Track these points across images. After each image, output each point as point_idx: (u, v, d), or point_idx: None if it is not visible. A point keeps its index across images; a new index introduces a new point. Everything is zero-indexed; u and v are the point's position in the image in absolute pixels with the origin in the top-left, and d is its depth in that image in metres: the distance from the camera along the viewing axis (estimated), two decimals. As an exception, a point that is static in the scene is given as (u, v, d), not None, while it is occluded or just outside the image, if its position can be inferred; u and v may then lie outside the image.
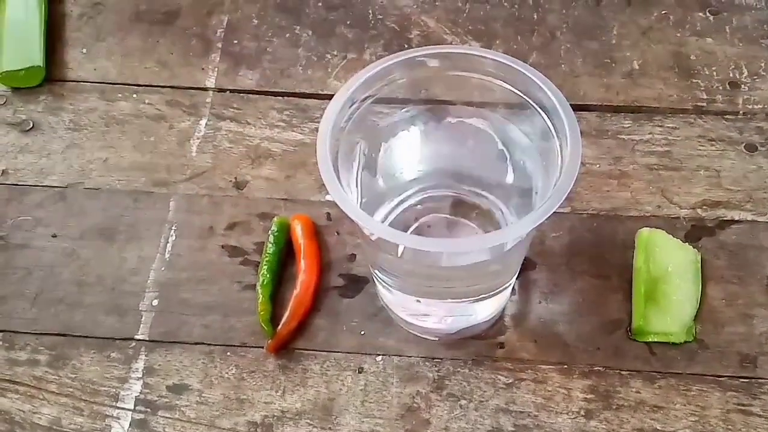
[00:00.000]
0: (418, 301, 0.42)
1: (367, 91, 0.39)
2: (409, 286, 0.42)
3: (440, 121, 0.43)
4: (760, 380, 0.44)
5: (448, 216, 0.45)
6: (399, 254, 0.38)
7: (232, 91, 0.57)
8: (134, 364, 0.46)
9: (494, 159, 0.43)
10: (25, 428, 0.44)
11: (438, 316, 0.44)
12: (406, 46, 0.58)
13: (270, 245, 0.48)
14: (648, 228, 0.48)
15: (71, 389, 0.45)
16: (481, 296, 0.42)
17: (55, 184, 0.53)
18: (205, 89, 0.57)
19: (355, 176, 0.41)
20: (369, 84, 0.39)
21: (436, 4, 0.61)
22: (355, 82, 0.38)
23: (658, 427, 0.42)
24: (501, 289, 0.43)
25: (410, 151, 0.44)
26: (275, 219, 0.49)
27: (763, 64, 0.56)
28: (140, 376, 0.46)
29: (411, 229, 0.44)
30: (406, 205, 0.44)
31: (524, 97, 0.38)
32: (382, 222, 0.43)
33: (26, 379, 0.46)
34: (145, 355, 0.46)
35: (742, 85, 0.55)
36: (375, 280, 0.45)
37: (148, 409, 0.44)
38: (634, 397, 0.43)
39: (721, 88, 0.55)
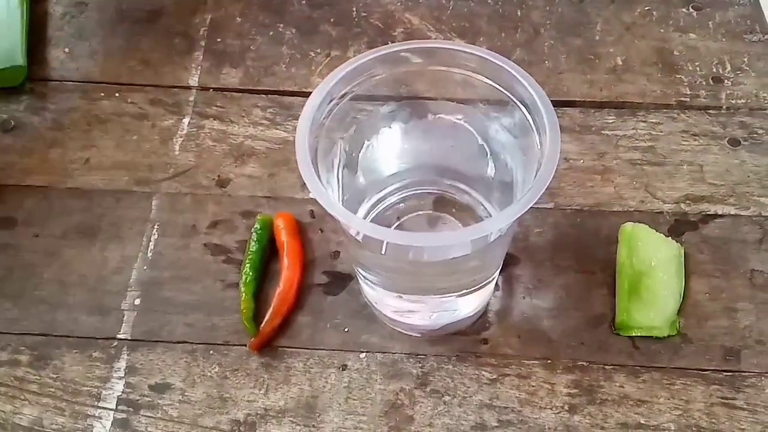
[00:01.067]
0: (401, 297, 0.42)
1: (346, 87, 0.39)
2: (392, 283, 0.42)
3: (421, 117, 0.43)
4: (743, 373, 0.44)
5: (430, 212, 0.45)
6: (382, 251, 0.38)
7: (215, 89, 0.57)
8: (116, 363, 0.46)
9: (475, 154, 0.43)
10: (6, 429, 0.44)
11: (421, 312, 0.44)
12: (389, 43, 0.58)
13: (253, 243, 0.48)
14: (631, 222, 0.48)
15: (53, 389, 0.45)
16: (464, 291, 0.42)
17: (38, 184, 0.53)
18: (189, 88, 0.57)
19: (336, 174, 0.41)
20: (349, 80, 0.38)
21: (420, 1, 0.61)
22: (334, 77, 0.38)
23: (642, 422, 0.42)
24: (484, 283, 0.42)
25: (391, 148, 0.44)
26: (258, 217, 0.49)
27: (746, 59, 0.56)
28: (122, 375, 0.45)
29: (393, 226, 0.44)
30: (387, 202, 0.44)
31: (505, 92, 0.38)
32: (365, 218, 0.43)
33: (7, 380, 0.45)
34: (127, 355, 0.46)
35: (725, 80, 0.55)
36: (358, 277, 0.45)
37: (131, 409, 0.44)
38: (617, 391, 0.43)
39: (704, 83, 0.55)
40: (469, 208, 0.44)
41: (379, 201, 0.44)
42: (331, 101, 0.38)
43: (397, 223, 0.45)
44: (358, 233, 0.36)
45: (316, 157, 0.37)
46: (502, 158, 0.41)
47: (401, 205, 0.45)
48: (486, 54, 0.38)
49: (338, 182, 0.41)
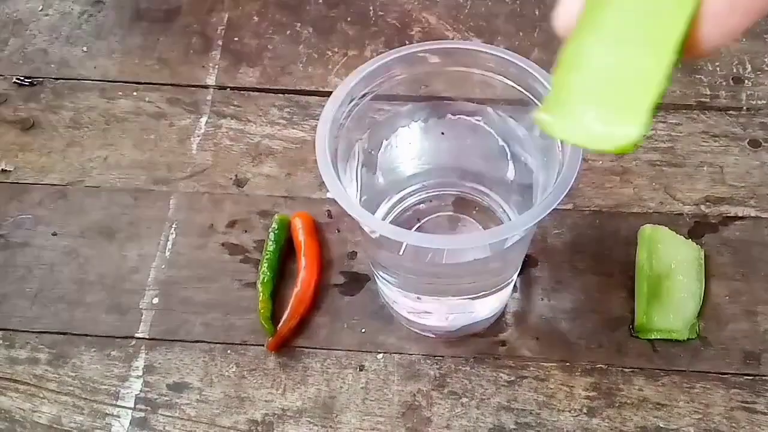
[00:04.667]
0: (419, 298, 0.42)
1: (366, 87, 0.38)
2: (410, 284, 0.42)
3: (440, 117, 0.43)
4: (764, 377, 0.43)
5: (450, 214, 0.44)
6: (400, 252, 0.37)
7: (232, 88, 0.57)
8: (134, 362, 0.46)
9: (495, 155, 0.42)
10: (26, 427, 0.44)
11: (439, 314, 0.44)
12: (407, 42, 0.58)
13: (270, 243, 0.48)
14: (651, 225, 0.47)
15: (71, 387, 0.45)
16: (482, 293, 0.42)
17: (56, 182, 0.53)
18: (206, 87, 0.57)
19: (355, 173, 0.41)
20: (368, 80, 0.38)
21: (437, 0, 0.61)
22: (353, 78, 0.38)
23: (661, 425, 0.42)
24: (502, 286, 0.42)
25: (410, 148, 0.44)
26: (276, 216, 0.49)
27: (767, 60, 0.56)
28: (140, 374, 0.45)
29: (413, 228, 0.44)
30: (406, 203, 0.44)
31: (525, 92, 0.38)
32: (384, 219, 0.43)
33: (26, 378, 0.46)
34: (146, 354, 0.46)
35: (746, 81, 0.55)
36: (376, 277, 0.45)
37: (149, 408, 0.44)
38: (636, 394, 0.43)
39: (724, 83, 0.55)
40: (489, 210, 0.44)
41: (399, 201, 0.44)
42: (350, 102, 0.38)
43: (417, 225, 0.44)
44: (375, 233, 0.36)
45: (336, 158, 0.37)
46: (522, 159, 0.41)
47: (421, 205, 0.45)
48: (505, 54, 0.38)
49: (357, 183, 0.41)
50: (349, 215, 0.34)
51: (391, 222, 0.44)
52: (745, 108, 0.53)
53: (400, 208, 0.44)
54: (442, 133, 0.44)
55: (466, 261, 0.38)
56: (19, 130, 0.55)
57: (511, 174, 0.42)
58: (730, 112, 0.53)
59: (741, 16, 0.23)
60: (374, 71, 0.38)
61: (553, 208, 0.33)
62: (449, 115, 0.43)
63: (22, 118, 0.56)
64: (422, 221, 0.45)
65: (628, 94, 0.21)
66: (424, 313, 0.44)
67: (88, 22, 0.61)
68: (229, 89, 0.57)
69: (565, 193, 0.33)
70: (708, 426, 0.42)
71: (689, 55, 0.23)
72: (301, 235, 0.48)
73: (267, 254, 0.48)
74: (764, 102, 0.53)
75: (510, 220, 0.44)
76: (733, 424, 0.42)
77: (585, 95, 0.21)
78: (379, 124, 0.41)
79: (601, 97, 0.21)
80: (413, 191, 0.44)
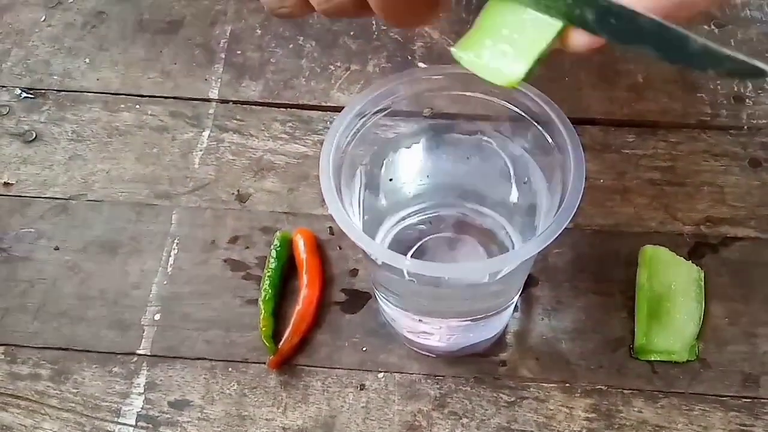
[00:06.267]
0: (421, 320, 0.42)
1: (371, 108, 0.39)
2: (410, 305, 0.42)
3: (443, 136, 0.43)
4: (762, 400, 0.44)
5: (451, 235, 0.45)
6: (404, 275, 0.38)
7: (235, 102, 0.57)
8: (136, 379, 0.46)
9: (497, 175, 0.42)
10: (27, 443, 0.44)
11: (440, 335, 0.44)
12: (409, 57, 0.58)
13: (272, 260, 0.48)
14: (651, 246, 0.47)
15: (73, 404, 0.45)
16: (483, 315, 0.42)
17: (58, 196, 0.53)
18: (208, 100, 0.57)
19: (357, 194, 0.41)
20: (373, 103, 0.38)
21: (440, 15, 0.61)
22: (357, 103, 0.38)
23: (660, 447, 0.42)
24: (503, 308, 0.42)
25: (412, 167, 0.44)
26: (277, 234, 0.49)
27: (768, 78, 0.56)
28: (142, 391, 0.46)
29: (413, 248, 0.44)
30: (407, 222, 0.44)
31: (525, 116, 0.38)
32: (384, 239, 0.43)
33: (28, 394, 0.46)
34: (147, 370, 0.46)
35: (747, 100, 0.55)
36: (376, 296, 0.45)
37: (150, 425, 0.44)
38: (635, 416, 0.43)
39: (725, 102, 0.55)
40: (489, 231, 0.44)
41: (400, 221, 0.44)
42: (354, 125, 0.38)
43: (418, 244, 0.45)
44: (376, 258, 0.36)
45: (339, 183, 0.37)
46: (525, 180, 0.41)
47: (422, 225, 0.45)
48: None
49: (359, 203, 0.41)
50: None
51: (393, 241, 0.44)
52: (746, 127, 0.54)
53: (401, 228, 0.44)
54: (445, 153, 0.44)
55: (467, 284, 0.38)
56: (21, 142, 0.55)
57: (513, 195, 0.42)
58: (731, 131, 0.53)
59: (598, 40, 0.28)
60: (378, 96, 0.38)
61: (556, 236, 0.33)
62: (452, 135, 0.43)
63: (24, 131, 0.56)
64: (423, 240, 0.45)
65: (518, 48, 0.29)
66: (424, 333, 0.44)
67: (90, 33, 0.61)
68: (231, 103, 0.57)
69: (569, 221, 0.34)
70: (706, 449, 0.42)
71: (572, 48, 0.29)
72: (302, 253, 0.48)
73: (269, 271, 0.48)
74: (765, 122, 0.54)
75: (512, 241, 0.44)
76: (732, 447, 0.42)
77: (488, 40, 0.29)
78: (381, 144, 0.41)
79: (499, 43, 0.29)
80: (415, 211, 0.45)
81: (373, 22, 0.60)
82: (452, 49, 0.31)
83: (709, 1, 0.29)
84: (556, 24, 0.29)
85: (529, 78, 0.29)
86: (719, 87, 0.56)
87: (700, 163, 0.52)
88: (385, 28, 0.60)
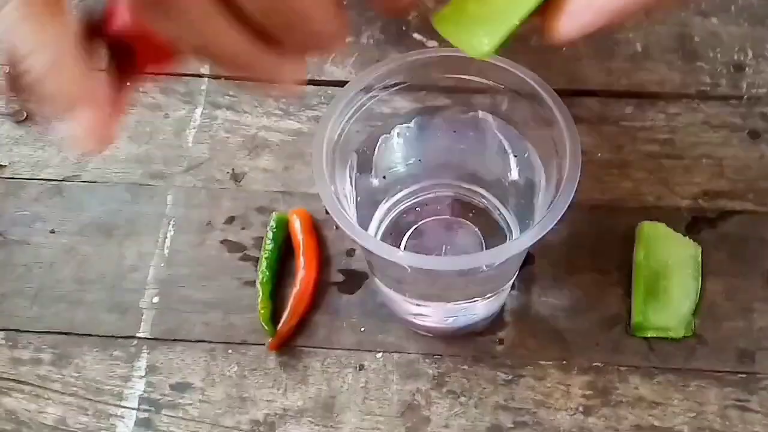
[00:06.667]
0: (417, 304, 0.42)
1: (367, 92, 0.38)
2: (406, 289, 0.42)
3: (438, 115, 0.42)
4: (757, 375, 0.44)
5: (447, 217, 0.44)
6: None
7: (227, 78, 0.56)
8: (137, 362, 0.46)
9: (494, 155, 0.42)
10: (32, 428, 0.45)
11: (438, 316, 0.44)
12: (403, 28, 0.57)
13: (269, 242, 0.48)
14: (649, 222, 0.47)
15: (75, 388, 0.46)
16: (481, 297, 0.42)
17: (52, 178, 0.53)
18: (200, 76, 0.56)
19: (349, 174, 0.41)
20: (370, 85, 0.38)
21: (434, -17, 0.59)
22: (351, 88, 0.37)
23: (656, 424, 0.43)
24: (501, 289, 0.43)
25: (405, 148, 0.43)
26: (273, 215, 0.49)
27: (768, 45, 0.55)
28: (143, 374, 0.46)
29: (409, 231, 0.44)
30: (403, 206, 0.44)
31: (519, 94, 0.38)
32: (380, 224, 0.43)
33: (31, 379, 0.46)
34: (147, 353, 0.47)
35: (747, 68, 0.54)
36: (373, 277, 0.45)
37: (152, 408, 0.45)
38: (632, 393, 0.44)
39: (725, 71, 0.54)
40: (485, 212, 0.44)
41: (395, 204, 0.44)
42: (347, 110, 0.38)
43: (414, 227, 0.44)
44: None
45: (333, 168, 0.37)
46: (522, 158, 0.41)
47: (417, 208, 0.44)
48: (498, 61, 0.37)
49: (352, 185, 0.41)
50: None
51: (389, 224, 0.44)
52: (745, 97, 0.53)
53: (396, 212, 0.44)
54: (440, 132, 0.43)
55: (462, 270, 0.38)
56: (13, 122, 0.55)
57: (510, 174, 0.42)
58: (731, 101, 0.53)
59: (595, 15, 0.26)
60: (374, 78, 0.38)
61: (556, 222, 0.33)
62: (447, 113, 0.42)
63: (15, 110, 0.55)
64: (419, 223, 0.45)
65: (491, 21, 0.29)
66: (420, 315, 0.44)
67: (78, 7, 0.60)
68: (223, 78, 0.56)
69: (565, 208, 0.34)
70: (701, 424, 0.43)
71: (550, 38, 0.28)
72: (299, 234, 0.48)
73: (266, 253, 0.48)
74: (765, 90, 0.53)
75: (507, 222, 0.44)
76: (727, 422, 0.43)
77: (464, 12, 0.30)
78: (376, 124, 0.41)
79: (473, 15, 0.29)
80: (409, 193, 0.44)
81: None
82: (432, 17, 0.31)
83: None
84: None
85: (499, 51, 0.30)
86: (719, 55, 0.55)
87: (699, 135, 0.52)
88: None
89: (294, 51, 0.23)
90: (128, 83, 0.25)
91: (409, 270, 0.37)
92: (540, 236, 0.33)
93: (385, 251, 0.33)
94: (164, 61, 0.26)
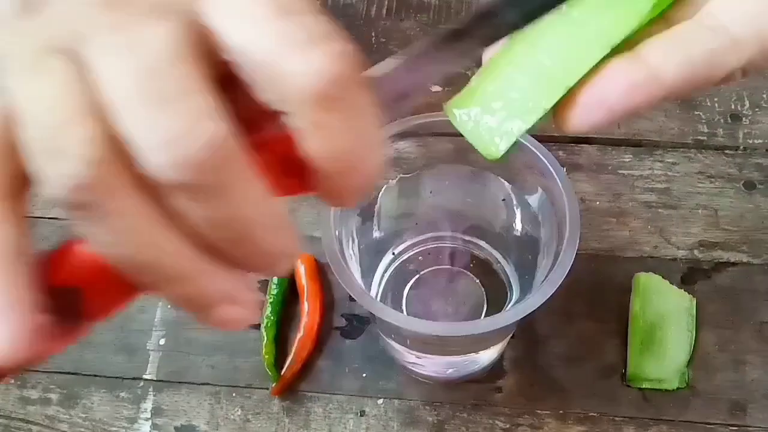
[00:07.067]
0: (418, 357, 0.43)
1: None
2: (406, 341, 0.43)
3: (441, 167, 0.43)
4: (749, 428, 0.45)
5: (448, 267, 0.46)
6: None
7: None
8: (143, 404, 0.47)
9: (495, 209, 0.43)
10: (40, 468, 0.46)
11: (438, 367, 0.45)
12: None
13: (274, 286, 0.49)
14: (645, 273, 0.48)
15: (83, 429, 0.47)
16: (481, 349, 0.43)
17: (61, 216, 0.54)
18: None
19: (353, 226, 0.42)
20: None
21: (439, 26, 0.60)
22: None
23: (649, 474, 0.44)
24: (500, 342, 0.44)
25: (405, 201, 0.44)
26: (279, 260, 0.50)
27: (765, 95, 0.56)
28: (149, 416, 0.47)
29: (410, 283, 0.45)
30: (406, 256, 0.45)
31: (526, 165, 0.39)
32: (383, 274, 0.44)
33: (39, 419, 0.47)
34: (153, 395, 0.48)
35: (744, 118, 0.55)
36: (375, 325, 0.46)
37: (158, 450, 0.46)
38: (626, 444, 0.45)
39: (722, 120, 0.55)
40: (486, 263, 0.45)
41: (398, 254, 0.45)
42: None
43: (416, 277, 0.46)
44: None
45: (340, 227, 0.38)
46: (524, 212, 0.42)
47: (420, 258, 0.46)
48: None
49: (354, 238, 0.42)
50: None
51: (393, 274, 0.45)
52: (741, 147, 0.54)
53: (399, 262, 0.45)
54: (441, 183, 0.44)
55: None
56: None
57: (512, 230, 0.43)
58: (727, 151, 0.54)
59: (606, 114, 0.25)
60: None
61: (560, 283, 0.34)
62: (451, 165, 0.43)
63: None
64: (421, 273, 0.46)
65: (506, 123, 0.27)
66: (421, 365, 0.45)
67: None
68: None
69: (564, 277, 0.35)
70: (694, 476, 0.44)
71: (559, 126, 0.27)
72: (303, 279, 0.49)
73: (270, 298, 0.49)
74: (761, 141, 0.54)
75: (506, 272, 0.45)
76: (718, 474, 0.44)
77: (479, 107, 0.28)
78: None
79: (486, 113, 0.28)
80: (412, 244, 0.45)
81: (373, 33, 0.60)
82: (446, 106, 0.30)
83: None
84: (544, 105, 0.27)
85: (507, 158, 0.28)
86: (717, 104, 0.56)
87: (695, 185, 0.53)
88: (384, 40, 0.60)
89: (240, 267, 0.21)
90: (72, 332, 0.22)
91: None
92: (540, 303, 0.34)
93: (387, 314, 0.34)
94: (115, 303, 0.22)
